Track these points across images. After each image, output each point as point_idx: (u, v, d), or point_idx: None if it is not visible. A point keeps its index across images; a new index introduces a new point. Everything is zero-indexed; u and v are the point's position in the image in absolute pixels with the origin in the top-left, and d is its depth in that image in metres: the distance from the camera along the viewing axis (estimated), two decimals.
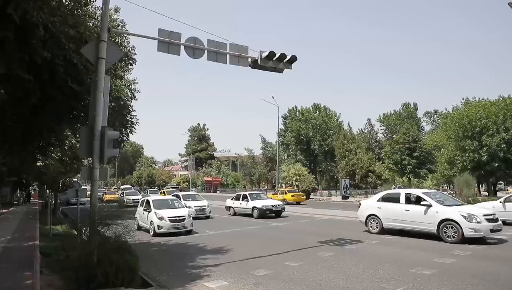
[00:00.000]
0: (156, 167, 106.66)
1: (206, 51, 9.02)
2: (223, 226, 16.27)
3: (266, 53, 9.63)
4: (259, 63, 9.70)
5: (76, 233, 11.67)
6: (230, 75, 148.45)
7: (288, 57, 9.87)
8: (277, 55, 9.71)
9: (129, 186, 64.02)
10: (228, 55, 9.38)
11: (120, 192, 46.99)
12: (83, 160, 18.83)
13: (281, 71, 10.37)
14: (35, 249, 9.82)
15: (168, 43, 8.51)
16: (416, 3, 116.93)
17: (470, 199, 27.13)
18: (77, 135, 14.14)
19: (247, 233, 14.34)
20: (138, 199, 32.07)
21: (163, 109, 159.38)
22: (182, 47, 8.73)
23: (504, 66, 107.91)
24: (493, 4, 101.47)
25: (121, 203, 33.25)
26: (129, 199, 34.14)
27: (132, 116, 22.46)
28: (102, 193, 40.35)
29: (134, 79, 22.09)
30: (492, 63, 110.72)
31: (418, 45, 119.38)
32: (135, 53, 18.33)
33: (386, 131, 67.09)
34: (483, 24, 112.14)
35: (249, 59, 9.78)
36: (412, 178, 31.24)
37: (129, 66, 20.50)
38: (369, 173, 41.63)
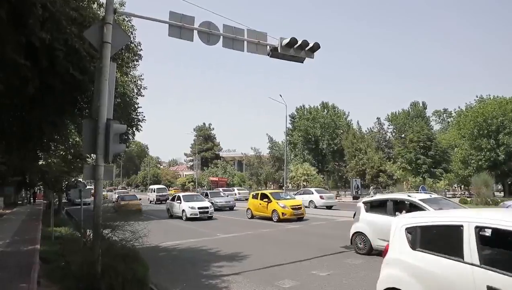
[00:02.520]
0: (161, 167, 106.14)
1: (221, 37, 8.20)
2: (235, 229, 15.39)
3: (287, 40, 8.77)
4: (279, 51, 8.84)
5: (80, 235, 10.88)
6: (235, 74, 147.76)
7: (310, 45, 8.99)
8: (299, 43, 8.85)
9: (163, 186, 46.45)
10: (245, 42, 8.55)
11: (164, 197, 35.59)
12: (88, 158, 18.03)
13: (302, 60, 9.52)
14: (35, 254, 9.01)
15: (180, 27, 7.69)
16: (416, 3, 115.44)
17: (489, 199, 26.07)
18: (81, 132, 13.33)
19: (262, 236, 13.48)
20: (207, 209, 19.86)
21: (168, 109, 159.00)
22: (195, 32, 7.90)
23: (504, 66, 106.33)
24: (493, 4, 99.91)
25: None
26: (194, 210, 19.63)
27: (138, 114, 21.73)
28: (116, 197, 30.04)
29: (141, 75, 21.24)
30: (492, 63, 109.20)
31: (419, 45, 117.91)
32: (141, 49, 17.40)
33: (395, 130, 65.76)
34: (483, 24, 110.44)
35: (268, 47, 8.92)
36: (427, 178, 30.00)
37: (135, 62, 19.63)
38: (380, 173, 40.51)
